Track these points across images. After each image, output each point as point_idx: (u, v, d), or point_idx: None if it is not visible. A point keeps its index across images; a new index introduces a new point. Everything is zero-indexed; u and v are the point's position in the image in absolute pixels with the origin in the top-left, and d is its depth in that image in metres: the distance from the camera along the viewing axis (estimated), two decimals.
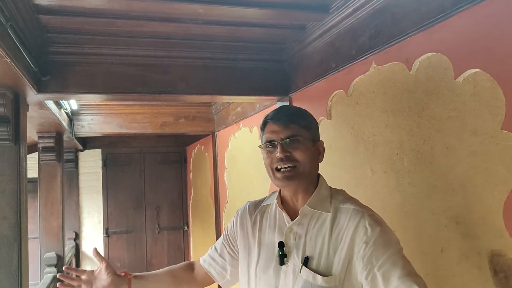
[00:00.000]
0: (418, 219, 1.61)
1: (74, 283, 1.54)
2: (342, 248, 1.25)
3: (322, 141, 1.39)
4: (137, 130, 4.73)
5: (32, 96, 2.32)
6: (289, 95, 2.67)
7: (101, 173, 6.59)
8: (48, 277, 4.01)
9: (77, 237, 6.42)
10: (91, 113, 4.51)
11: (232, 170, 4.15)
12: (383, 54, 1.75)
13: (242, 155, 3.85)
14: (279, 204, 1.40)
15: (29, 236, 2.40)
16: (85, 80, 2.36)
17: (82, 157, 6.56)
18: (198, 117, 4.86)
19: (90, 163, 6.60)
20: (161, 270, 1.64)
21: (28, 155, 2.48)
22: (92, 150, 6.56)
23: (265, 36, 2.44)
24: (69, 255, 5.49)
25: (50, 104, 2.86)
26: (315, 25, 2.21)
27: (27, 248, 2.30)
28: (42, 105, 2.66)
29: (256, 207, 1.51)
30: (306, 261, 1.29)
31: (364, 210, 1.30)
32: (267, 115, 1.38)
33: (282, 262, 1.32)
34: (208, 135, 5.13)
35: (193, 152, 6.30)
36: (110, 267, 1.53)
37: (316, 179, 1.39)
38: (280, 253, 1.32)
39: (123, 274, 1.54)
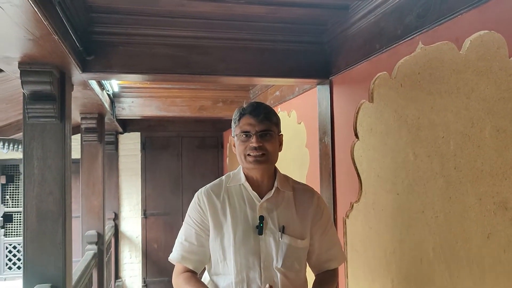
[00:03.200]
0: (463, 204, 1.56)
1: None
2: (306, 218, 1.68)
3: (282, 134, 1.71)
4: (176, 113, 4.79)
5: (77, 75, 2.37)
6: (330, 78, 2.63)
7: (140, 155, 6.73)
8: (89, 254, 4.14)
9: (116, 217, 6.60)
10: (132, 96, 4.59)
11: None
12: (431, 33, 1.69)
13: None
14: (248, 186, 1.66)
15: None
16: (128, 61, 2.40)
17: (122, 139, 6.71)
18: (236, 101, 4.87)
19: (129, 146, 6.74)
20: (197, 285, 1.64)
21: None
22: (131, 133, 6.70)
23: (306, 17, 2.40)
24: (109, 234, 5.65)
25: (94, 84, 2.92)
26: (359, 5, 2.15)
27: (71, 223, 2.37)
28: (86, 85, 2.72)
29: (220, 189, 1.71)
30: (283, 230, 1.62)
31: (313, 190, 1.78)
32: (244, 109, 1.64)
33: (261, 232, 1.60)
34: None
35: (230, 137, 6.34)
36: None
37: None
38: (261, 225, 1.60)
39: None
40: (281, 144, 1.70)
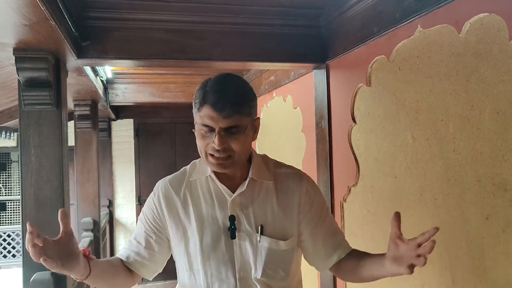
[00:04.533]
0: (462, 186, 1.58)
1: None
2: (291, 210, 1.37)
3: (259, 118, 1.35)
4: (170, 99, 4.77)
5: (72, 61, 2.35)
6: (326, 62, 2.62)
7: (133, 142, 6.70)
8: (85, 241, 4.16)
9: (110, 204, 6.60)
10: (125, 82, 4.56)
11: (264, 139, 4.15)
12: (430, 16, 1.69)
13: (274, 124, 3.84)
14: (215, 177, 1.34)
15: None
16: (123, 46, 2.37)
17: (115, 126, 6.67)
18: None
19: (123, 133, 6.70)
20: (111, 258, 1.47)
21: None
22: (124, 120, 6.66)
23: (303, 0, 2.39)
24: (104, 221, 5.65)
25: (88, 70, 2.89)
26: None
27: (69, 211, 2.37)
28: (80, 71, 2.69)
29: (181, 184, 1.40)
30: (261, 230, 1.32)
31: (302, 174, 1.45)
32: (206, 94, 1.22)
33: (234, 236, 1.30)
34: None
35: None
36: (73, 238, 1.24)
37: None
38: (233, 227, 1.30)
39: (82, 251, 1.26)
40: (256, 130, 1.34)
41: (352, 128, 2.35)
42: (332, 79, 2.60)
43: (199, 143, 1.28)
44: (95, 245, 4.34)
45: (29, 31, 1.78)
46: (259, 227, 1.32)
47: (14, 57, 2.07)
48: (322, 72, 2.67)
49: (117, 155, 6.70)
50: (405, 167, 1.92)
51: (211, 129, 1.22)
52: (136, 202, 6.70)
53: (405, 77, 1.89)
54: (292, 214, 1.37)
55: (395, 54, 1.95)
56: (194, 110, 1.27)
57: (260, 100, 4.28)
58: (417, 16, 1.76)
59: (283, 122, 3.61)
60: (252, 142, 1.37)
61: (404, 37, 1.87)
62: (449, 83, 1.62)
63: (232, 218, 1.31)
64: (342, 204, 2.49)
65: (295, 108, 3.31)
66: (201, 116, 1.23)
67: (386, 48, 2.01)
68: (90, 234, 4.30)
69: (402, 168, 1.93)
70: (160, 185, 1.43)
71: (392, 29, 1.93)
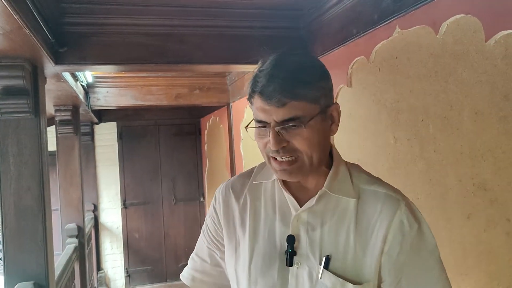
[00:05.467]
0: (443, 186, 1.59)
1: None
2: (374, 245, 0.96)
3: (337, 104, 1.01)
4: (152, 102, 4.73)
5: (49, 68, 2.31)
6: None
7: (117, 145, 6.63)
8: (70, 247, 4.10)
9: (95, 208, 6.52)
10: (107, 86, 4.51)
11: (248, 140, 4.14)
12: (408, 17, 1.70)
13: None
14: (281, 182, 1.06)
15: None
16: (102, 51, 2.34)
17: (98, 130, 6.60)
18: (213, 88, 4.83)
19: (106, 136, 6.63)
20: None
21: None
22: (107, 123, 6.59)
23: (282, 2, 2.39)
24: (89, 226, 5.59)
25: (67, 76, 2.85)
26: None
27: (51, 219, 2.33)
28: (59, 77, 2.65)
29: (244, 186, 1.14)
30: (327, 262, 0.97)
31: (399, 197, 1.00)
32: (256, 77, 0.96)
33: (291, 263, 0.99)
34: (223, 106, 5.11)
35: (207, 124, 6.30)
36: None
37: (328, 155, 1.06)
38: (290, 250, 0.99)
39: None
40: (334, 121, 1.00)
41: None
42: None
43: (259, 145, 1.02)
44: (80, 252, 4.28)
45: (3, 39, 1.75)
46: (324, 258, 0.97)
47: None
48: None
49: (100, 158, 6.63)
50: (387, 167, 1.93)
51: (266, 125, 0.95)
52: (121, 205, 6.64)
53: (385, 77, 1.90)
54: (373, 251, 0.96)
55: (374, 55, 1.96)
56: (250, 104, 1.02)
57: (243, 102, 4.28)
58: (395, 17, 1.77)
59: None
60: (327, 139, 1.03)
61: (383, 38, 1.88)
62: (429, 84, 1.63)
63: (291, 239, 1.00)
64: None
65: None
66: (254, 110, 0.98)
67: (365, 49, 2.01)
68: (75, 240, 4.23)
69: (385, 168, 1.94)
70: (221, 188, 1.18)
71: (371, 30, 1.94)
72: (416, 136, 1.72)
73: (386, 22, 1.83)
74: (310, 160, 0.97)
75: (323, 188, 1.00)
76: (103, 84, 4.49)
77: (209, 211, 1.20)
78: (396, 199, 0.98)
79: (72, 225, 4.23)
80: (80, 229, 4.27)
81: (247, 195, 1.12)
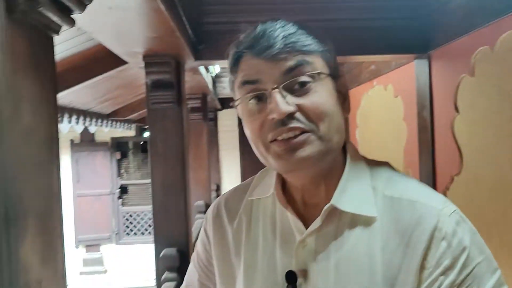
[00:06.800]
0: None
1: None
2: (405, 281, 0.69)
3: (345, 78, 0.81)
4: None
5: (189, 63, 2.64)
6: (428, 53, 2.64)
7: (237, 131, 7.08)
8: (198, 222, 4.56)
9: (218, 188, 7.07)
10: None
11: (365, 128, 4.21)
12: None
13: (375, 113, 3.89)
14: (281, 196, 0.80)
15: None
16: None
17: (221, 116, 7.11)
18: None
19: (227, 122, 7.12)
20: None
21: None
22: (229, 110, 7.06)
23: None
24: None
25: (201, 69, 3.19)
26: None
27: (190, 195, 2.69)
28: (195, 71, 3.00)
29: (239, 202, 0.89)
30: None
31: (442, 206, 0.74)
32: (238, 46, 0.80)
33: None
34: None
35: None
36: None
37: (342, 150, 0.80)
38: None
39: None
40: (346, 98, 0.79)
41: (455, 119, 2.37)
42: (434, 69, 2.62)
43: (250, 130, 0.77)
44: None
45: (158, 42, 2.08)
46: None
47: (143, 63, 2.40)
48: (424, 63, 2.69)
49: (223, 143, 7.15)
50: (510, 157, 1.92)
51: (262, 95, 0.72)
52: None
53: (510, 68, 1.88)
54: (407, 283, 0.69)
55: (499, 44, 1.95)
56: (230, 85, 0.82)
57: (360, 89, 4.34)
58: None
59: (384, 111, 3.65)
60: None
61: (509, 27, 1.86)
62: None
63: (292, 277, 0.74)
64: (445, 193, 2.52)
65: (396, 97, 3.34)
66: (240, 82, 0.75)
67: (490, 39, 2.01)
68: (203, 216, 4.69)
69: (507, 159, 1.94)
70: (213, 206, 0.94)
71: (497, 20, 1.93)
72: None
73: None
74: (326, 138, 0.71)
75: (329, 203, 0.74)
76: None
77: (200, 234, 0.95)
78: (435, 211, 0.72)
79: (201, 202, 4.69)
80: (208, 206, 4.71)
81: (242, 216, 0.87)
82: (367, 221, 0.73)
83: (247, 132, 0.78)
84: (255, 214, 0.85)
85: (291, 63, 0.70)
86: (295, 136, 0.70)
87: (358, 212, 0.73)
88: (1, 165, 0.55)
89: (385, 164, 0.83)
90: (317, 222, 0.74)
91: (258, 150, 0.78)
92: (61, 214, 0.77)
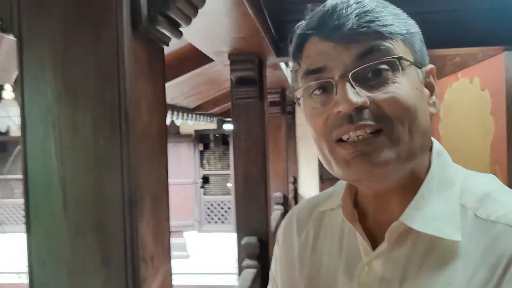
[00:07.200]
0: None
1: None
2: None
3: (433, 67, 0.66)
4: None
5: (271, 60, 2.74)
6: None
7: None
8: (276, 213, 4.69)
9: (295, 181, 7.16)
10: None
11: (448, 122, 4.09)
12: None
13: (459, 107, 3.76)
14: (348, 209, 0.67)
15: None
16: None
17: (299, 109, 7.16)
18: None
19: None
20: None
21: None
22: None
23: None
24: (290, 196, 6.21)
25: (282, 65, 3.29)
26: None
27: (270, 186, 2.80)
28: (276, 67, 3.10)
29: (311, 213, 0.77)
30: None
31: None
32: (304, 27, 0.65)
33: None
34: None
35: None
36: None
37: (426, 156, 0.65)
38: None
39: None
40: (432, 91, 0.65)
41: None
42: None
43: (313, 129, 0.65)
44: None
45: (243, 42, 2.20)
46: None
47: (229, 61, 2.55)
48: None
49: (300, 136, 7.22)
50: None
51: (327, 86, 0.60)
52: (319, 179, 7.13)
53: None
54: None
55: None
56: (292, 76, 0.71)
57: (444, 82, 4.22)
58: None
59: (469, 105, 3.53)
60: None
61: None
62: None
63: None
64: None
65: (483, 90, 3.22)
66: (304, 71, 0.63)
67: None
68: (281, 207, 4.83)
69: None
70: (286, 216, 0.84)
71: None
72: None
73: None
74: (405, 141, 0.58)
75: (398, 220, 0.60)
76: None
77: (275, 246, 0.85)
78: None
79: (279, 194, 4.82)
80: (285, 198, 4.84)
81: (310, 227, 0.76)
82: (448, 247, 0.58)
83: (311, 131, 0.66)
84: (325, 226, 0.74)
85: (365, 46, 0.57)
86: (366, 138, 0.57)
87: (435, 234, 0.58)
88: (128, 157, 0.68)
89: (487, 177, 0.65)
90: (384, 243, 0.62)
91: (322, 153, 0.64)
92: (168, 199, 0.86)
